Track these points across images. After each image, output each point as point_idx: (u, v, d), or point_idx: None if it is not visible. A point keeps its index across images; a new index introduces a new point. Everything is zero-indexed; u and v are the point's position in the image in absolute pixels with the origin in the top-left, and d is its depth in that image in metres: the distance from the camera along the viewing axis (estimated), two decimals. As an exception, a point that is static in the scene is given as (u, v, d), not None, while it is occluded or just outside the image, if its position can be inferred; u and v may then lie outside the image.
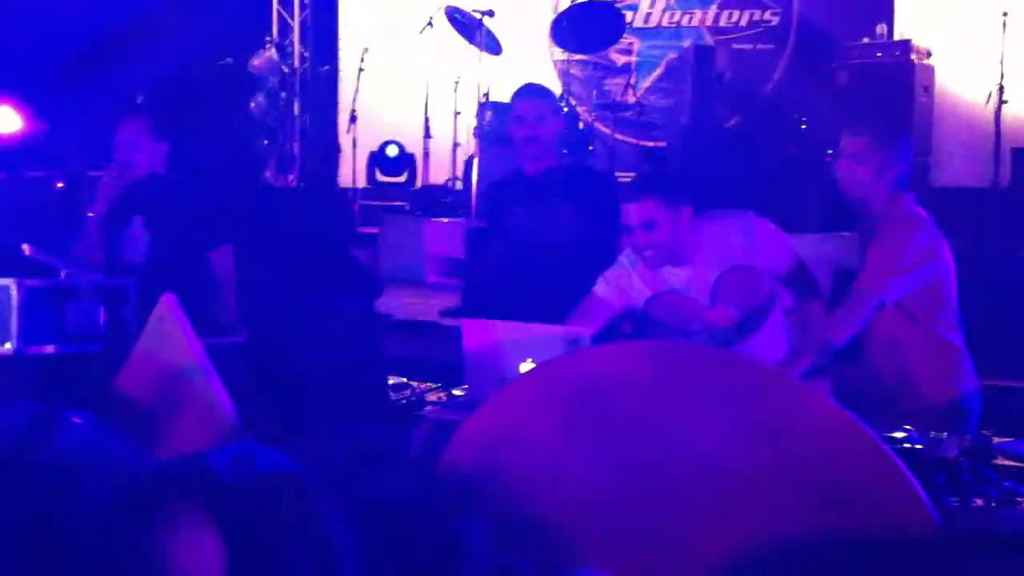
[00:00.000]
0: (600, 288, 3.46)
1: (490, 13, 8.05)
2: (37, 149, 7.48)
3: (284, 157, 9.85)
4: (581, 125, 7.94)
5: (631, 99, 8.97)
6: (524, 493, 2.10)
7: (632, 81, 9.32)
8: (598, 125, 8.68)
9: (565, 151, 4.81)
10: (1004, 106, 6.92)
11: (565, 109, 7.87)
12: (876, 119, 3.60)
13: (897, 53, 7.56)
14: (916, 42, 7.59)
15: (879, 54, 7.65)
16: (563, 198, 3.86)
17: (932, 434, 2.43)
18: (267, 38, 9.86)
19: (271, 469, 1.24)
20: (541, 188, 3.88)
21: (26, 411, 1.41)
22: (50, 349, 3.15)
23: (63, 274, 3.36)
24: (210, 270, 4.11)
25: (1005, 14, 7.00)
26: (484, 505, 2.07)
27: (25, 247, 3.47)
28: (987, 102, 7.02)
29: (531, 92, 4.10)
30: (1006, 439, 2.53)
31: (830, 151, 6.59)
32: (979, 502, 2.06)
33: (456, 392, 3.00)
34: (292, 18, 10.27)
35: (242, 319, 3.97)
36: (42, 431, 1.37)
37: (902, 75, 7.43)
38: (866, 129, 3.42)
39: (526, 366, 2.52)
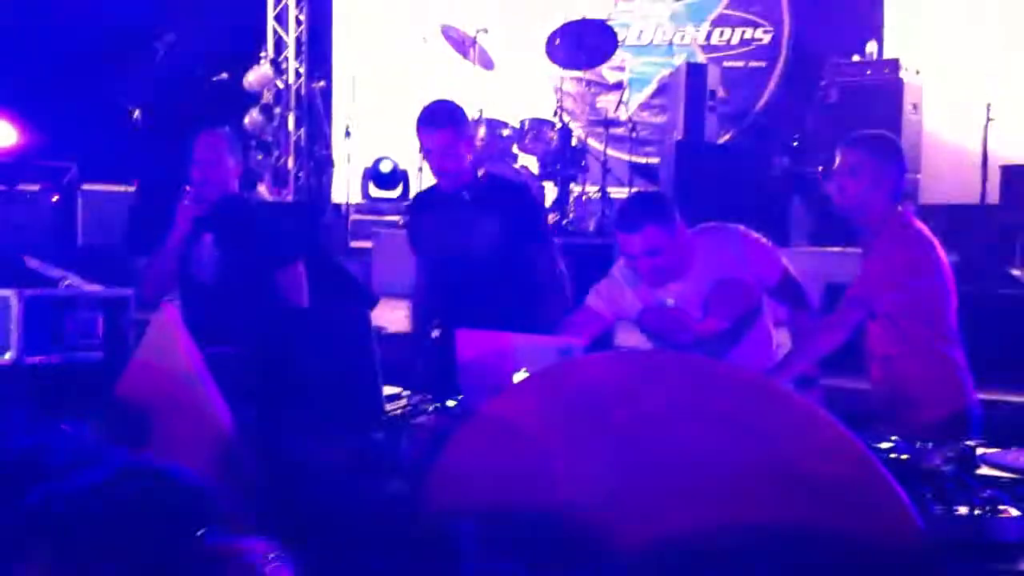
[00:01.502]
0: (592, 299, 3.51)
1: (485, 30, 8.14)
2: (32, 162, 7.51)
3: (279, 172, 9.90)
4: (575, 141, 8.00)
5: (624, 115, 9.04)
6: (518, 499, 2.13)
7: (625, 98, 9.39)
8: (591, 141, 8.74)
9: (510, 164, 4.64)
10: (991, 123, 6.99)
11: (559, 125, 7.93)
12: (876, 131, 3.62)
13: (886, 71, 7.65)
14: (905, 60, 7.68)
15: (869, 72, 7.74)
16: (475, 209, 3.86)
17: (918, 444, 2.47)
18: (262, 53, 9.92)
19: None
20: (452, 200, 3.90)
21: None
22: (49, 358, 3.19)
23: (62, 285, 3.40)
24: (279, 289, 4.08)
25: (991, 34, 7.10)
26: (478, 511, 2.10)
27: (28, 260, 3.50)
28: (976, 121, 7.10)
29: (430, 122, 3.87)
30: (992, 450, 2.57)
31: (820, 167, 6.66)
32: (963, 510, 2.10)
33: (450, 403, 3.04)
34: (287, 34, 10.33)
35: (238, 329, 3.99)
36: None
37: (891, 93, 7.52)
38: (861, 143, 3.45)
39: (520, 375, 2.56)
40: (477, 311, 3.40)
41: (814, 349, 3.37)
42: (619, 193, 8.00)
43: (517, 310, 3.54)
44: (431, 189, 4.15)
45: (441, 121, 3.83)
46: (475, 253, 3.85)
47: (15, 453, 1.60)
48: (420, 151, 4.07)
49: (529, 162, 7.96)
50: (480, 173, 4.07)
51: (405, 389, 3.15)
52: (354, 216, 8.90)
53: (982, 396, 3.56)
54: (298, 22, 10.39)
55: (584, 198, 8.15)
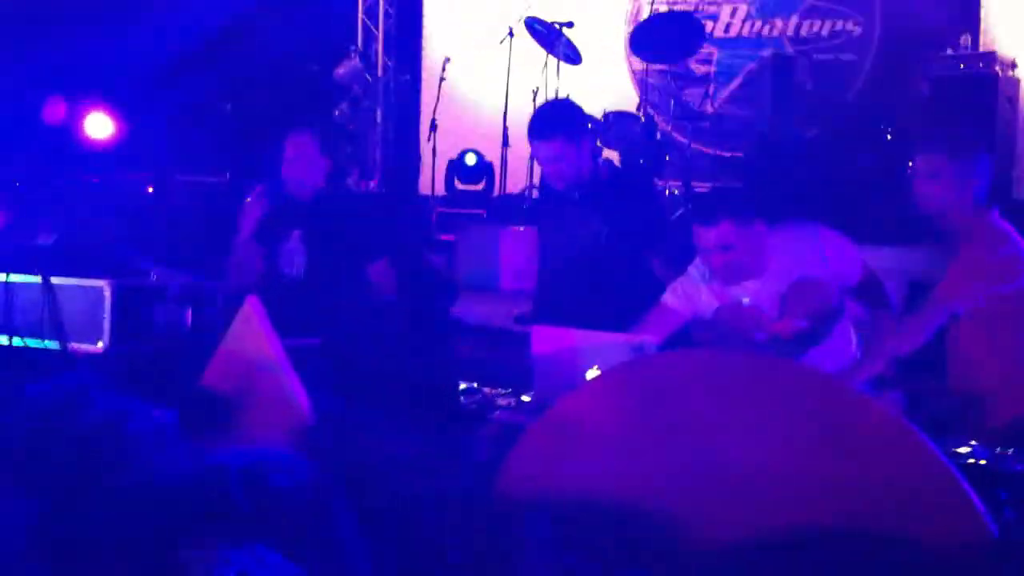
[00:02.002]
0: (669, 298, 3.52)
1: (570, 24, 8.13)
2: (128, 153, 7.72)
3: (366, 164, 10.03)
4: (659, 135, 7.97)
5: (709, 109, 8.96)
6: (588, 495, 2.16)
7: (710, 91, 9.31)
8: (675, 135, 8.69)
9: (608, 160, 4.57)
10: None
11: (643, 119, 7.90)
12: (957, 131, 3.54)
13: (981, 64, 7.46)
14: (1001, 53, 7.48)
15: (963, 65, 7.56)
16: (591, 209, 3.85)
17: (998, 450, 2.44)
18: (352, 47, 10.05)
19: (283, 485, 1.32)
20: (569, 200, 3.90)
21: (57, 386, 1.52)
22: (139, 348, 3.29)
23: (153, 276, 3.51)
24: (368, 282, 4.14)
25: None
26: (549, 506, 2.13)
27: (121, 250, 3.61)
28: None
29: (542, 133, 3.81)
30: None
31: (911, 163, 6.54)
32: (1040, 517, 2.07)
33: (524, 398, 3.07)
34: (376, 27, 10.45)
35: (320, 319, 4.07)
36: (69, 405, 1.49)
37: (986, 87, 7.33)
38: (941, 145, 3.38)
39: (592, 372, 2.58)
40: (579, 309, 3.42)
41: (893, 349, 3.33)
42: (703, 188, 7.95)
43: (620, 313, 3.54)
44: (548, 187, 4.15)
45: (549, 132, 3.81)
46: (582, 255, 3.87)
47: (100, 416, 1.67)
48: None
49: (612, 156, 7.95)
50: (603, 160, 4.07)
51: (481, 383, 3.19)
52: (439, 209, 8.97)
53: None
54: (387, 15, 10.50)
55: (668, 192, 8.11)
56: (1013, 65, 7.51)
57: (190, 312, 3.43)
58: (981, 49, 7.83)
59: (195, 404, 2.77)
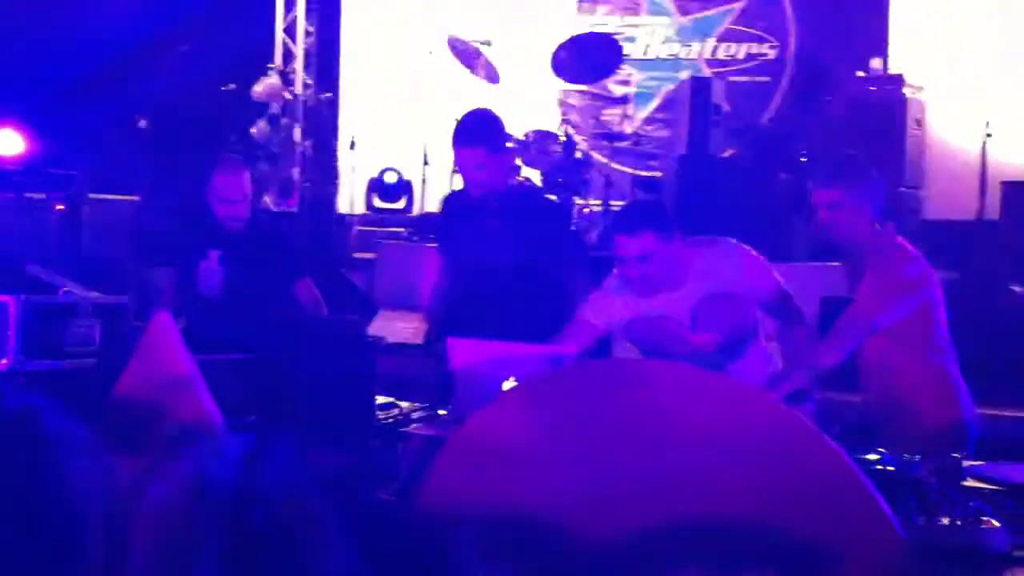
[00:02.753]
0: (585, 311, 3.54)
1: (488, 43, 8.18)
2: (38, 171, 7.55)
3: (284, 182, 9.94)
4: (578, 155, 8.03)
5: (628, 129, 9.07)
6: (510, 506, 2.15)
7: (629, 111, 9.43)
8: (595, 154, 8.77)
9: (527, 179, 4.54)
10: (989, 140, 7.03)
11: (563, 138, 7.96)
12: (848, 160, 3.67)
13: (891, 87, 7.68)
14: (909, 77, 7.70)
15: (873, 87, 7.77)
16: (505, 220, 3.88)
17: (905, 456, 2.49)
18: (270, 64, 9.98)
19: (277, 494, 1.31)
20: (484, 209, 3.92)
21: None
22: (47, 365, 3.21)
23: (61, 292, 3.43)
24: (295, 301, 4.11)
25: (992, 51, 7.14)
26: (470, 519, 2.12)
27: (29, 267, 3.53)
28: (975, 136, 7.12)
29: (464, 141, 3.86)
30: (978, 463, 2.59)
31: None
32: (945, 521, 2.12)
33: (442, 412, 3.07)
34: (296, 45, 10.39)
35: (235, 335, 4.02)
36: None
37: (895, 108, 7.54)
38: (835, 177, 3.50)
39: (508, 384, 2.58)
40: (499, 322, 3.41)
41: (812, 367, 3.38)
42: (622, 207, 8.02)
43: (540, 326, 3.54)
44: (461, 193, 4.15)
45: (474, 140, 3.84)
46: (498, 266, 3.88)
47: (11, 411, 1.62)
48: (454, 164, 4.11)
49: (532, 175, 7.99)
50: (517, 180, 4.12)
51: (399, 399, 3.18)
52: (358, 227, 8.93)
53: (982, 411, 3.59)
54: (307, 34, 10.44)
55: (587, 211, 8.17)
56: (921, 88, 7.73)
57: (99, 328, 3.36)
58: (891, 72, 8.04)
59: (106, 423, 2.71)
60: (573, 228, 4.21)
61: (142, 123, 8.14)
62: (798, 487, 2.02)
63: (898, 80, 7.68)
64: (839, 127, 7.72)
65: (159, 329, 2.74)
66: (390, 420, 2.96)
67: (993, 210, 7.07)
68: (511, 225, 3.88)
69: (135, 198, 8.14)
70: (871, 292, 3.38)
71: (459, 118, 3.94)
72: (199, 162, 4.34)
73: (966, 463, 2.48)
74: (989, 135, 6.94)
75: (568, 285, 3.88)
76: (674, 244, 3.40)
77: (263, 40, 10.22)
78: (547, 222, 4.00)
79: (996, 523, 2.12)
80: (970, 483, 2.40)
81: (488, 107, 4.07)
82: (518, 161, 7.91)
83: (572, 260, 3.99)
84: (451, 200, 4.37)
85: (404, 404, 3.12)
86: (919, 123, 7.62)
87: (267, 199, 9.34)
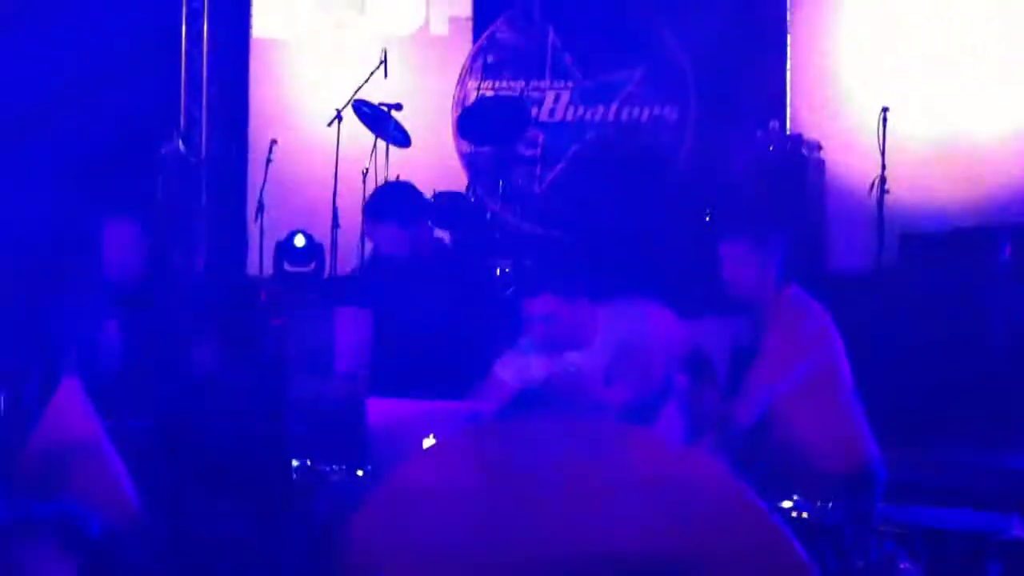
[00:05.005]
0: (499, 369, 3.57)
1: (398, 107, 8.22)
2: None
3: (191, 245, 9.80)
4: (488, 215, 8.08)
5: (536, 190, 9.16)
6: (428, 562, 2.14)
7: (537, 172, 9.53)
8: (504, 215, 8.84)
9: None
10: (887, 195, 7.27)
11: (472, 199, 8.02)
12: (754, 218, 3.79)
13: (789, 146, 7.92)
14: (807, 136, 7.95)
15: (772, 147, 7.99)
16: (424, 284, 3.91)
17: (818, 503, 2.54)
18: (174, 129, 9.89)
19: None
20: (402, 275, 3.94)
21: None
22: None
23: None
24: (192, 363, 4.03)
25: (885, 109, 7.40)
26: (390, 573, 2.11)
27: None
28: (871, 190, 7.36)
29: (377, 216, 3.93)
30: (889, 506, 2.65)
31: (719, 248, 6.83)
32: (860, 565, 2.16)
33: (359, 472, 3.04)
34: (200, 108, 10.32)
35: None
36: None
37: (795, 167, 7.78)
38: (741, 234, 3.60)
39: (428, 442, 2.58)
40: (422, 383, 3.41)
41: (724, 429, 3.44)
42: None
43: (464, 384, 3.54)
44: (377, 262, 4.16)
45: (383, 216, 3.87)
46: (424, 321, 3.88)
47: None
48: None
49: (442, 236, 8.02)
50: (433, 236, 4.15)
51: (315, 461, 3.14)
52: (267, 291, 8.83)
53: (888, 453, 3.68)
54: (211, 96, 10.38)
55: (497, 272, 8.21)
56: (818, 147, 7.98)
57: (3, 396, 3.27)
58: (789, 132, 8.29)
59: (11, 488, 2.64)
60: (492, 287, 4.24)
61: (46, 185, 7.96)
62: (715, 535, 2.05)
63: (796, 139, 7.93)
64: (741, 185, 7.91)
65: (67, 396, 2.68)
66: (307, 482, 2.92)
67: (891, 262, 7.30)
68: (430, 289, 3.90)
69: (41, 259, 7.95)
70: (775, 356, 3.47)
71: (372, 193, 3.98)
72: (94, 221, 4.26)
73: (878, 507, 2.54)
74: (887, 191, 7.18)
75: (490, 342, 3.91)
76: (578, 304, 3.46)
77: (167, 103, 10.13)
78: (465, 282, 4.03)
79: (907, 565, 2.17)
80: (882, 527, 2.46)
81: (396, 176, 4.12)
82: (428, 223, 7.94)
83: (492, 317, 4.02)
84: (367, 269, 4.37)
85: (321, 466, 3.08)
86: (818, 181, 7.86)
87: (174, 263, 9.19)
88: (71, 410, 2.68)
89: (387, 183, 4.06)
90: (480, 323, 4.02)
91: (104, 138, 8.67)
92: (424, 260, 4.01)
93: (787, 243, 3.66)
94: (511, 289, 7.78)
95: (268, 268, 9.15)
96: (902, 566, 2.16)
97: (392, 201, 3.93)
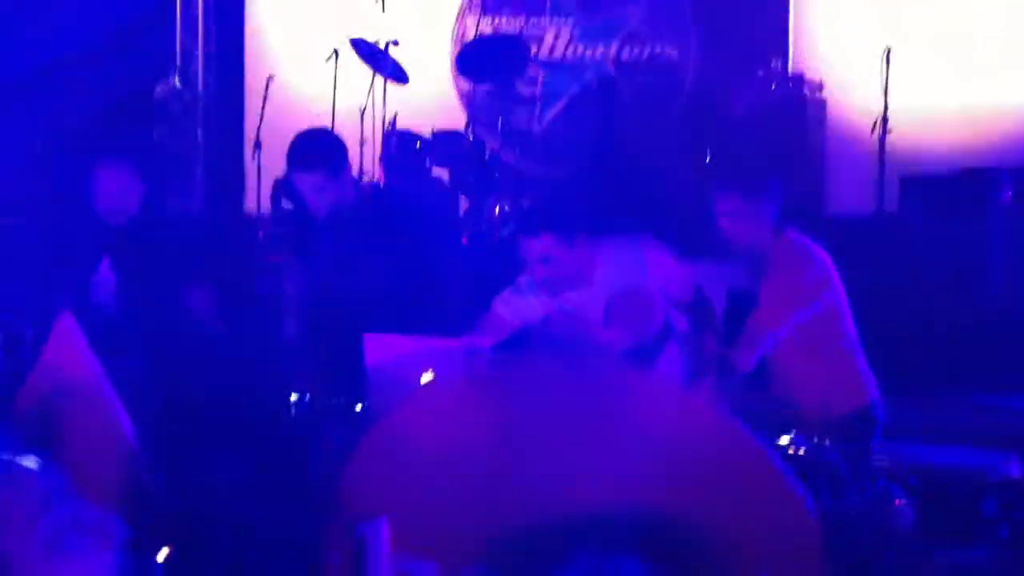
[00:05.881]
0: (498, 306, 3.57)
1: (395, 42, 8.14)
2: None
3: (188, 185, 9.76)
4: (487, 155, 8.03)
5: (536, 129, 9.10)
6: (425, 499, 2.15)
7: (537, 112, 9.46)
8: (504, 154, 8.78)
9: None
10: (889, 136, 7.21)
11: (471, 138, 7.96)
12: (748, 167, 3.72)
13: (790, 86, 7.84)
14: (809, 76, 7.87)
15: (773, 87, 7.92)
16: (361, 232, 3.82)
17: (815, 440, 2.55)
18: (170, 67, 9.79)
19: None
20: (335, 226, 3.86)
21: None
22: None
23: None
24: (187, 306, 4.00)
25: (888, 49, 7.32)
26: (389, 512, 2.11)
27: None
28: (872, 132, 7.30)
29: (302, 164, 3.73)
30: (886, 445, 2.66)
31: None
32: (854, 501, 2.17)
33: (358, 407, 3.05)
34: (196, 46, 10.21)
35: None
36: None
37: (795, 108, 7.71)
38: (735, 185, 3.55)
39: (426, 377, 2.58)
40: (375, 323, 3.35)
41: (723, 373, 3.42)
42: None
43: (419, 319, 3.50)
44: (309, 216, 4.03)
45: (311, 164, 3.72)
46: (368, 273, 3.83)
47: None
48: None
49: (441, 174, 7.98)
50: (373, 182, 4.09)
51: (313, 395, 3.14)
52: (265, 229, 8.80)
53: (888, 396, 3.69)
54: (207, 34, 10.27)
55: (497, 211, 8.18)
56: (820, 86, 7.91)
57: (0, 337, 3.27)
58: (791, 72, 8.21)
59: (11, 429, 2.64)
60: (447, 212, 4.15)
61: (40, 131, 7.90)
62: (716, 472, 2.05)
63: (798, 79, 7.85)
64: (741, 127, 7.85)
65: (63, 333, 2.68)
66: (305, 417, 2.93)
67: (892, 205, 7.27)
68: (368, 236, 3.82)
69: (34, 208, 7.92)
70: (774, 304, 3.44)
71: (293, 139, 3.83)
72: (86, 166, 4.22)
73: (874, 446, 2.55)
74: (889, 131, 7.12)
75: (446, 275, 3.88)
76: (577, 244, 3.45)
77: (162, 41, 10.02)
78: (405, 221, 3.93)
79: (904, 502, 2.18)
80: (878, 464, 2.47)
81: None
82: (427, 161, 7.90)
83: (440, 250, 3.96)
84: (302, 225, 4.27)
85: (319, 400, 3.09)
86: (819, 122, 7.79)
87: (171, 203, 9.16)
88: (68, 349, 2.68)
89: (309, 130, 3.89)
90: (436, 254, 3.93)
91: (98, 79, 8.60)
92: (360, 208, 3.89)
93: (782, 189, 3.62)
94: (510, 229, 7.76)
95: (265, 206, 9.11)
96: (897, 503, 2.17)
97: (317, 146, 3.78)
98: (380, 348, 2.84)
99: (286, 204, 8.97)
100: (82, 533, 1.39)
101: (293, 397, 2.98)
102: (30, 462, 1.42)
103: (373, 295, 3.76)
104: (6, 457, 1.40)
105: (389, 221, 3.84)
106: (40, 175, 8.01)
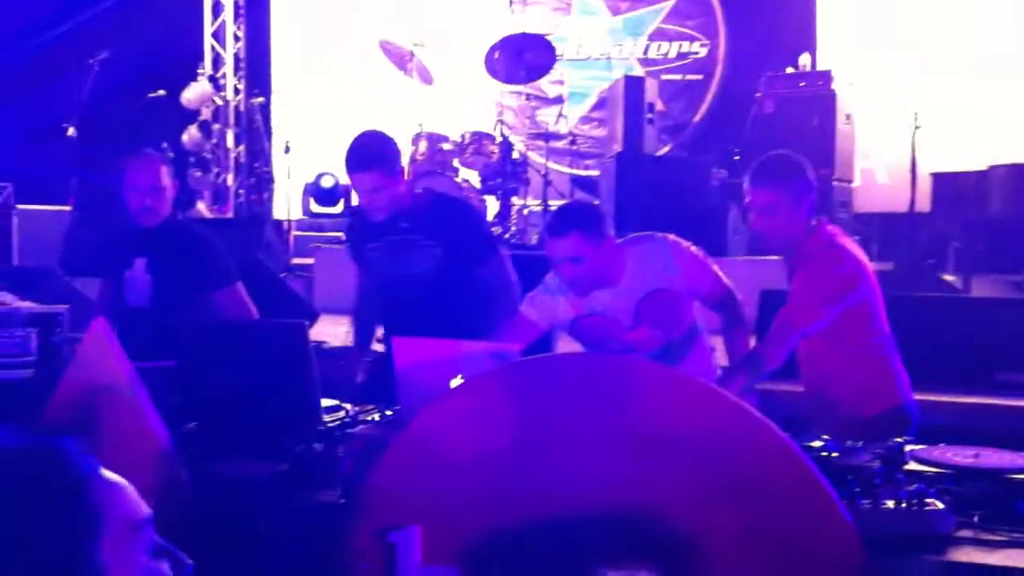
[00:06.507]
0: (526, 308, 3.55)
1: (422, 44, 8.16)
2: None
3: (218, 189, 9.83)
4: (515, 155, 8.04)
5: (563, 129, 9.11)
6: (455, 506, 2.14)
7: (564, 111, 9.46)
8: (532, 155, 8.79)
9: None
10: (918, 131, 7.14)
11: (499, 139, 7.96)
12: (782, 162, 3.61)
13: (820, 83, 7.79)
14: (837, 72, 7.82)
15: (803, 83, 7.87)
16: (414, 236, 3.85)
17: (848, 442, 2.52)
18: (200, 70, 9.86)
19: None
20: (390, 229, 3.88)
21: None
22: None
23: (-6, 301, 3.36)
24: (218, 310, 4.04)
25: (918, 44, 7.28)
26: (417, 519, 2.11)
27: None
28: (907, 129, 7.24)
29: (357, 165, 3.77)
30: (920, 447, 2.63)
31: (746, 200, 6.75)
32: (889, 504, 2.15)
33: (388, 412, 3.04)
34: (225, 50, 10.28)
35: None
36: None
37: (825, 104, 7.65)
38: (769, 179, 3.48)
39: (456, 382, 2.57)
40: (423, 329, 3.37)
41: (754, 370, 3.36)
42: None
43: (466, 326, 3.51)
44: (365, 218, 4.06)
45: (368, 164, 3.75)
46: (419, 277, 3.85)
47: None
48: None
49: (470, 176, 7.99)
50: (419, 190, 4.10)
51: (345, 401, 3.15)
52: (295, 232, 8.86)
53: (917, 397, 3.63)
54: (236, 38, 10.34)
55: (525, 211, 8.19)
56: (850, 83, 7.85)
57: (35, 337, 3.30)
58: (820, 68, 8.17)
59: (44, 432, 2.66)
60: (489, 225, 4.16)
61: (71, 131, 7.98)
62: (746, 476, 2.04)
63: (827, 76, 7.80)
64: (770, 123, 7.81)
65: (97, 336, 2.69)
66: (336, 423, 2.93)
67: (925, 202, 7.21)
68: (423, 238, 3.85)
69: (65, 208, 8.00)
70: (805, 297, 3.37)
71: (352, 143, 3.86)
72: (120, 161, 4.25)
73: (908, 447, 2.52)
74: (918, 127, 7.05)
75: (489, 283, 3.89)
76: (605, 244, 3.41)
77: (192, 45, 10.10)
78: (452, 223, 3.95)
79: (940, 505, 2.15)
80: (912, 467, 2.44)
81: (379, 129, 4.00)
82: (455, 163, 7.91)
83: (487, 258, 3.97)
84: (355, 225, 4.29)
85: (351, 407, 3.09)
86: (849, 118, 7.74)
87: (201, 205, 9.23)
88: (101, 351, 2.68)
89: (366, 132, 3.92)
90: (482, 262, 3.95)
91: (130, 81, 8.66)
92: (413, 208, 3.92)
93: (815, 185, 3.56)
94: (539, 229, 7.76)
95: (296, 210, 9.17)
96: (933, 505, 2.15)
97: (374, 148, 3.78)
98: (409, 351, 2.84)
99: (315, 207, 9.03)
100: (160, 559, 1.40)
101: (324, 403, 2.98)
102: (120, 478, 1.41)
103: (427, 298, 3.80)
104: (104, 472, 1.39)
105: (442, 225, 3.87)
106: (74, 166, 8.10)
